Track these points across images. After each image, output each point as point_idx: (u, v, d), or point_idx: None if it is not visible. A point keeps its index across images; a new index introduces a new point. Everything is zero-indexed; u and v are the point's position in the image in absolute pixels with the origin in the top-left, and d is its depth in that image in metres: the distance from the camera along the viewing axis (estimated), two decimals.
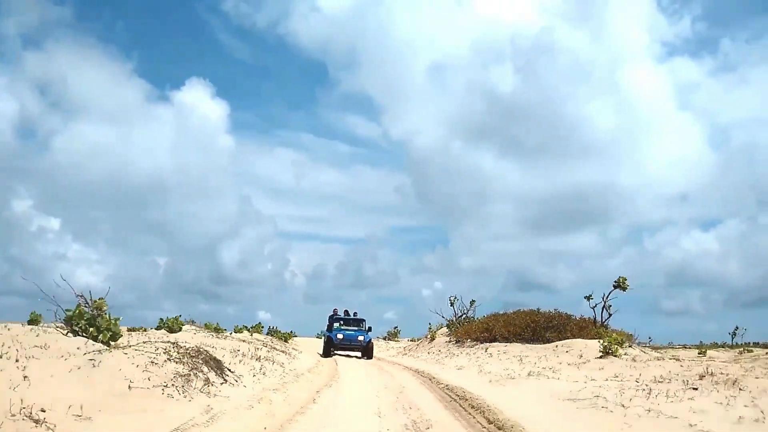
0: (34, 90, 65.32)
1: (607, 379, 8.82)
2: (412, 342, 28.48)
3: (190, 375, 5.97)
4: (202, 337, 13.52)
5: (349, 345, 20.75)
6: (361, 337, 20.84)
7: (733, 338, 25.19)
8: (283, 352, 15.14)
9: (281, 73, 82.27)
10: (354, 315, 22.81)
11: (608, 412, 6.02)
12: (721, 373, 8.48)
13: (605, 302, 20.58)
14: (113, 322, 9.75)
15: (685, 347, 26.95)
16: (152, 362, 5.83)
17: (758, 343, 24.06)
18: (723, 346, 26.67)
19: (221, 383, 6.60)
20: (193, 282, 56.79)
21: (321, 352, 21.04)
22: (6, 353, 5.67)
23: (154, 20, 75.72)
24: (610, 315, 20.44)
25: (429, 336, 23.71)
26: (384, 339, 37.53)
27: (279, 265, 63.56)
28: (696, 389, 6.95)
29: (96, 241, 64.59)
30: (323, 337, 22.75)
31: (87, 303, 10.06)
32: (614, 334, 17.07)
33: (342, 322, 21.77)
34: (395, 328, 40.20)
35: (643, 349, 17.32)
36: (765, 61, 66.25)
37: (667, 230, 64.73)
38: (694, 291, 61.10)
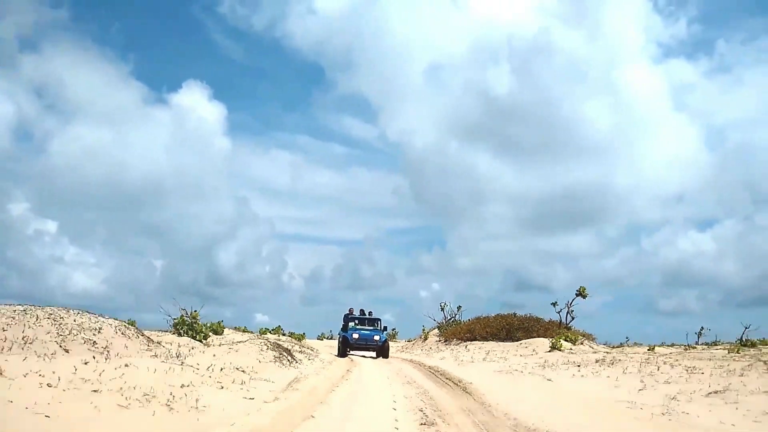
0: (31, 92, 65.55)
1: (534, 362, 13.42)
2: (408, 342, 32.84)
3: (281, 357, 10.46)
4: (249, 336, 17.99)
5: (364, 345, 20.76)
6: (376, 337, 20.84)
7: (698, 338, 28.52)
8: (309, 348, 19.74)
9: (278, 75, 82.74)
10: (369, 314, 22.78)
11: (510, 375, 10.70)
12: (614, 359, 13.05)
13: (569, 308, 25.44)
14: (206, 326, 14.32)
15: (650, 346, 30.69)
16: (261, 350, 10.32)
17: (719, 342, 26.01)
18: (695, 344, 29.65)
19: (295, 363, 11.08)
20: (190, 284, 56.13)
21: (336, 353, 21.24)
22: (188, 347, 10.16)
23: (150, 22, 76.26)
24: (572, 318, 25.32)
25: (423, 336, 28.22)
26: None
27: (276, 267, 63.88)
28: (579, 366, 11.51)
29: (93, 244, 64.79)
30: (338, 337, 22.63)
31: (187, 314, 14.62)
32: (569, 334, 21.83)
33: (357, 322, 21.70)
34: (393, 329, 42.05)
35: (592, 346, 21.89)
36: (760, 62, 67.46)
37: (664, 230, 64.80)
38: (691, 291, 61.30)
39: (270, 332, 30.55)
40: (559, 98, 60.22)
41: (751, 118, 65.74)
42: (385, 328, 22.01)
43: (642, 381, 9.44)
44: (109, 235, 62.46)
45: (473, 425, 6.50)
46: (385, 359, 19.57)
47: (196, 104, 63.97)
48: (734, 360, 10.87)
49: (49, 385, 5.30)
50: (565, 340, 20.17)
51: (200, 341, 13.53)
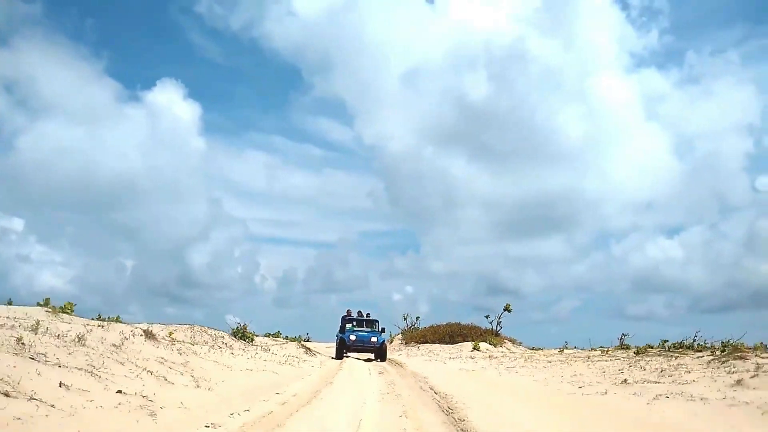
0: (0, 88, 61.17)
1: (456, 357, 21.73)
2: None
3: (307, 353, 18.48)
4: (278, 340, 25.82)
5: (362, 346, 20.99)
6: (374, 339, 21.10)
7: (621, 341, 34.07)
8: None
9: (254, 76, 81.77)
10: (367, 316, 23.13)
11: (436, 362, 19.03)
12: (514, 355, 21.49)
13: (499, 319, 34.02)
14: (251, 333, 22.26)
15: (560, 348, 39.30)
16: (296, 347, 18.33)
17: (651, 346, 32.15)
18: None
19: (312, 356, 19.12)
20: (160, 285, 55.79)
21: (333, 355, 21.80)
22: (253, 346, 18.06)
23: (126, 19, 75.08)
24: (501, 327, 33.88)
25: (390, 339, 36.43)
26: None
27: (249, 268, 63.52)
28: (473, 358, 19.90)
29: (61, 243, 62.54)
30: (336, 339, 22.84)
31: (239, 324, 22.52)
32: (493, 339, 30.32)
33: (354, 324, 21.94)
34: (382, 328, 47.49)
35: (509, 348, 30.42)
36: (727, 73, 67.99)
37: (633, 237, 65.21)
38: (659, 297, 62.37)
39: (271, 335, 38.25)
40: (534, 105, 60.53)
41: (718, 128, 65.73)
42: (383, 330, 22.40)
43: (514, 368, 17.74)
44: (78, 235, 61.29)
45: (407, 386, 14.66)
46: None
47: (171, 103, 62.62)
48: (602, 359, 19.16)
49: (247, 359, 13.18)
50: (489, 344, 28.66)
51: (251, 343, 21.49)
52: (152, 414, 6.39)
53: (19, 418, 4.85)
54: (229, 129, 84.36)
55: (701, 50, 74.30)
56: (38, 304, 10.77)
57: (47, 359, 6.83)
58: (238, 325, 22.01)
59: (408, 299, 61.08)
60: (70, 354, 7.52)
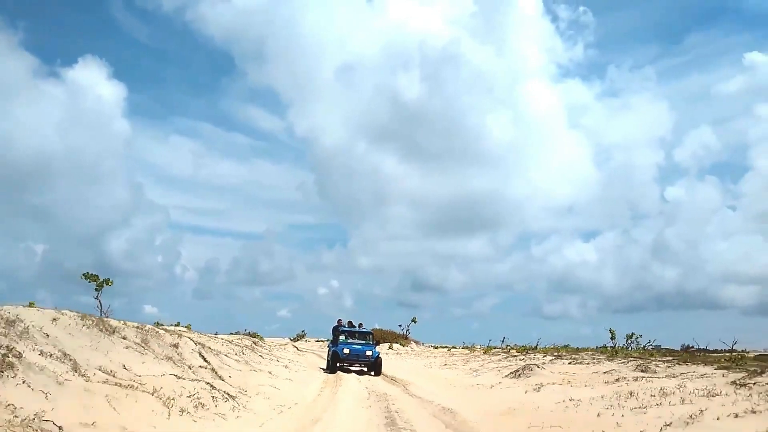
0: None
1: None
2: (319, 342, 52.40)
3: (298, 348, 30.64)
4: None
5: (356, 360, 19.77)
6: (369, 352, 19.82)
7: (502, 342, 36.49)
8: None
9: (185, 60, 75.25)
10: (360, 326, 22.26)
11: None
12: (414, 352, 34.80)
13: (407, 328, 47.50)
14: (260, 337, 34.07)
15: (448, 347, 53.65)
16: (293, 347, 30.45)
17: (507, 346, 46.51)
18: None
19: (304, 352, 31.32)
20: (73, 271, 52.79)
21: (325, 367, 21.07)
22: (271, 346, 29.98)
23: None
24: (409, 332, 47.35)
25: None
26: (292, 340, 45.53)
27: (169, 257, 60.47)
28: (387, 354, 33.02)
29: None
30: (328, 351, 21.93)
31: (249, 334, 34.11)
32: (402, 341, 43.68)
33: (348, 335, 20.78)
34: (302, 331, 50.09)
35: (412, 347, 43.89)
36: (644, 89, 71.20)
37: (552, 239, 68.33)
38: (573, 297, 65.23)
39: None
40: (464, 108, 62.68)
41: (633, 140, 68.40)
42: (377, 342, 21.63)
43: (420, 360, 30.85)
44: None
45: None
46: (317, 357, 29.87)
47: (94, 82, 58.82)
48: (478, 355, 32.62)
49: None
50: (400, 345, 41.97)
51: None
52: (289, 380, 18.56)
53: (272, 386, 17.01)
54: (155, 112, 79.23)
55: (622, 65, 79.60)
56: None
57: (250, 360, 18.85)
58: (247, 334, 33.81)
59: (333, 293, 63.49)
60: (262, 356, 19.58)
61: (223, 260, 75.79)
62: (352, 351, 19.97)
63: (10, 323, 7.70)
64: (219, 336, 23.51)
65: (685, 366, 13.06)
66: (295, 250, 74.47)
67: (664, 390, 9.40)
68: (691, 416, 7.58)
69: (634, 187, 62.60)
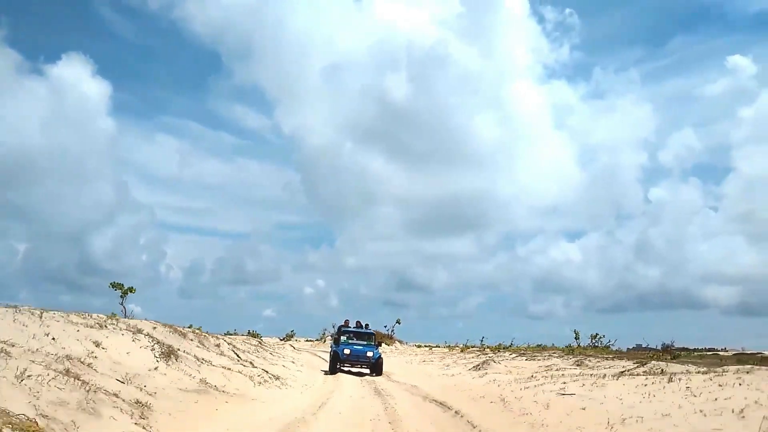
0: None
1: None
2: (309, 342, 57.24)
3: (285, 342, 35.61)
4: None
5: (356, 361, 19.88)
6: (369, 353, 19.85)
7: (481, 341, 38.88)
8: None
9: (171, 58, 73.96)
10: (366, 327, 22.03)
11: None
12: (398, 350, 39.94)
13: (392, 328, 52.64)
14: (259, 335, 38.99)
15: (430, 346, 58.70)
16: (291, 346, 35.42)
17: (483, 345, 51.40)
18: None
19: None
20: (56, 271, 50.73)
21: (327, 369, 20.78)
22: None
23: None
24: (394, 333, 52.46)
25: (323, 339, 53.64)
26: (281, 339, 45.99)
27: (154, 256, 59.31)
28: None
29: None
30: (330, 351, 21.94)
31: (251, 334, 39.01)
32: (387, 341, 48.80)
33: (350, 335, 20.78)
34: (291, 330, 50.61)
35: (397, 346, 49.04)
36: (628, 91, 70.95)
37: (538, 239, 68.34)
38: (558, 296, 65.47)
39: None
40: (451, 108, 62.49)
41: (618, 141, 68.32)
42: (380, 344, 21.63)
43: (403, 357, 35.97)
44: None
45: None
46: (311, 354, 33.72)
47: (78, 79, 56.94)
48: (455, 353, 37.68)
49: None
50: (385, 344, 47.07)
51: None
52: (300, 370, 23.54)
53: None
54: (141, 111, 76.67)
55: (607, 67, 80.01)
56: None
57: (274, 353, 23.80)
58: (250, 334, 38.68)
59: (319, 293, 63.13)
60: (271, 353, 24.62)
61: (208, 259, 75.80)
62: (353, 352, 19.99)
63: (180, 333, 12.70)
64: (231, 336, 28.42)
65: (612, 361, 17.78)
66: (281, 249, 74.32)
67: (572, 375, 14.42)
68: (561, 389, 12.60)
69: (618, 187, 63.98)
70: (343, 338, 20.95)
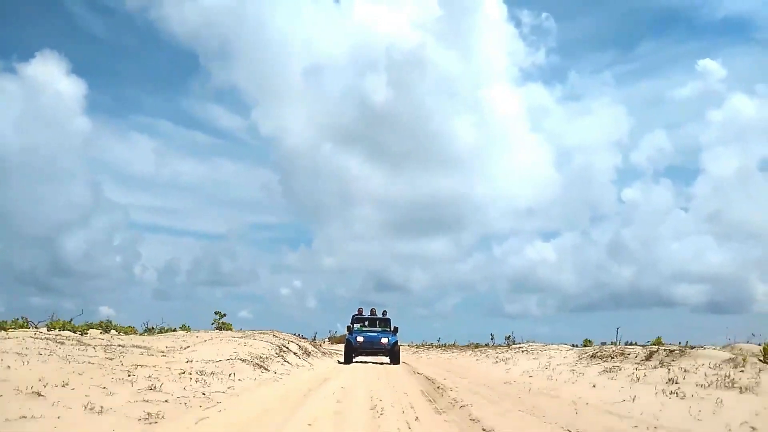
0: None
1: None
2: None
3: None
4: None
5: (370, 348, 19.22)
6: (384, 340, 19.16)
7: (470, 341, 35.03)
8: None
9: (148, 58, 75.79)
10: (383, 314, 21.23)
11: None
12: None
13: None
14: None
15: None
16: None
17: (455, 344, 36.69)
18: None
19: None
20: (26, 272, 51.31)
21: (342, 359, 19.67)
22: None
23: None
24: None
25: (321, 343, 60.61)
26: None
27: (128, 257, 59.53)
28: None
29: None
30: (346, 342, 20.58)
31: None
32: None
33: (365, 323, 20.30)
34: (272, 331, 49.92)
35: None
36: (603, 94, 71.80)
37: (513, 240, 67.48)
38: (533, 296, 64.30)
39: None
40: (429, 111, 61.58)
41: (593, 143, 68.16)
42: (396, 329, 20.36)
43: None
44: None
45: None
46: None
47: (52, 77, 54.63)
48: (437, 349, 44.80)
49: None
50: None
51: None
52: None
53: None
54: (116, 110, 78.42)
55: (582, 70, 78.32)
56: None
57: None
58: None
59: (296, 294, 61.13)
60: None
61: (183, 260, 78.09)
62: (366, 339, 19.32)
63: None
64: None
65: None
66: (257, 250, 77.19)
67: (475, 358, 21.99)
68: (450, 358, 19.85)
69: (593, 189, 65.97)
70: (356, 326, 20.42)
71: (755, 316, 47.90)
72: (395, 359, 19.38)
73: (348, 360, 19.26)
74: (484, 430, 6.58)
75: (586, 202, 66.44)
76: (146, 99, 78.05)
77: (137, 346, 13.03)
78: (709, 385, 7.71)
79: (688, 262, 54.96)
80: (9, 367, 7.82)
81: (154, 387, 7.85)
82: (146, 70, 76.20)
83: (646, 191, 63.13)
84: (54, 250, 53.20)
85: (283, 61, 64.38)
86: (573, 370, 11.88)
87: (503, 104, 64.58)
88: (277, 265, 66.57)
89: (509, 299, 61.19)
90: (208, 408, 7.22)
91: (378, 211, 65.91)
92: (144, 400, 6.98)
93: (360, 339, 19.47)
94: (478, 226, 66.27)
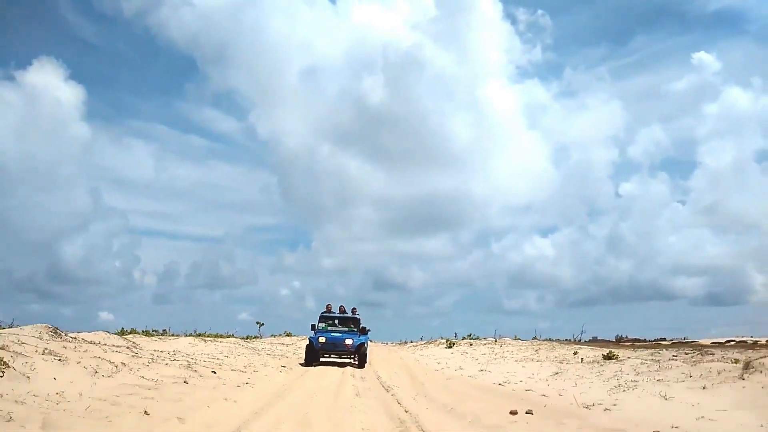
0: None
1: None
2: (273, 336, 56.04)
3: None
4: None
5: (333, 349, 17.77)
6: (349, 341, 17.71)
7: (457, 335, 35.95)
8: None
9: (145, 63, 76.89)
10: (352, 312, 19.85)
11: None
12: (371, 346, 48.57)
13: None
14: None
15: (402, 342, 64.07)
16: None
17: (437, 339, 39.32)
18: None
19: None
20: (26, 279, 51.57)
21: (303, 362, 17.97)
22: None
23: None
24: (369, 331, 59.67)
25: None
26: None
27: (127, 262, 59.57)
28: None
29: None
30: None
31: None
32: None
33: (332, 322, 18.86)
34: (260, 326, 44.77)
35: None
36: (599, 90, 71.87)
37: (511, 236, 67.57)
38: (532, 292, 64.24)
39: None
40: (427, 111, 61.58)
41: (589, 138, 69.20)
42: (365, 330, 18.90)
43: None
44: None
45: None
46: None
47: (50, 84, 55.76)
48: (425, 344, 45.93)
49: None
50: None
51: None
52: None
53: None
54: (114, 116, 77.96)
55: (578, 67, 78.92)
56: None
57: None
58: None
59: (295, 294, 60.90)
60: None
61: (183, 264, 78.25)
62: (329, 339, 17.92)
63: None
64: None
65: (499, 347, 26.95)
66: (257, 252, 76.67)
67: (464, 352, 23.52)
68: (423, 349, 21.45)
69: (590, 184, 66.28)
70: (321, 325, 18.78)
71: (754, 306, 49.78)
72: (361, 362, 17.69)
73: (309, 362, 17.66)
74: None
75: (584, 197, 66.62)
76: (144, 104, 78.82)
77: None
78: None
79: (686, 254, 57.06)
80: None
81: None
82: (144, 76, 76.94)
83: (643, 185, 64.65)
84: (53, 256, 53.50)
85: (280, 63, 65.31)
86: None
87: (500, 102, 65.43)
88: (276, 267, 66.94)
89: (508, 295, 61.22)
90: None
91: (376, 211, 66.33)
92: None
93: (322, 339, 17.94)
94: (476, 223, 66.69)
